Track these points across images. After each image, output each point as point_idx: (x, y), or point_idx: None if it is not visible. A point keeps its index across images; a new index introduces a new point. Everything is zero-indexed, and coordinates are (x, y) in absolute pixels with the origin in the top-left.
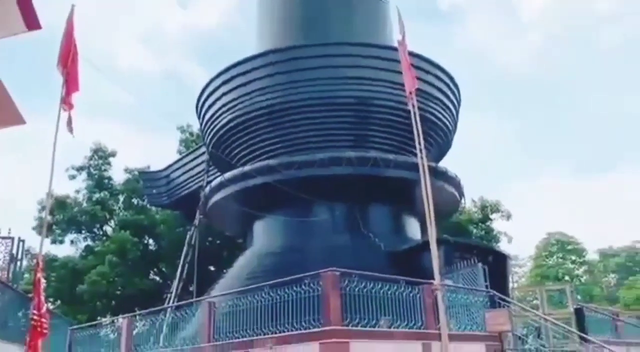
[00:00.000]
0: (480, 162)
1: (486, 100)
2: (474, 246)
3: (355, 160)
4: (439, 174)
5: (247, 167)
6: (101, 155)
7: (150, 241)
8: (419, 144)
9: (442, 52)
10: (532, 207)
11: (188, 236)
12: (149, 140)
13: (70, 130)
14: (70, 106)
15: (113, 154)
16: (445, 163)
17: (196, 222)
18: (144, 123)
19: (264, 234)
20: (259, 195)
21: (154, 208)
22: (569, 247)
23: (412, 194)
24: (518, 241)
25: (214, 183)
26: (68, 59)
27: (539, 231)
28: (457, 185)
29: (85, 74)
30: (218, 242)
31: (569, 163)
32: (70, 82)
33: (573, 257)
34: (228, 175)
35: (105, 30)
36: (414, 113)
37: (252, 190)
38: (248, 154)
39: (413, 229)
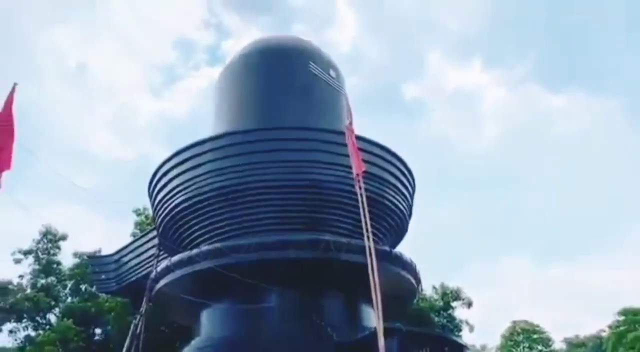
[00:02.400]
0: (442, 248)
1: (447, 188)
2: (429, 335)
3: (306, 243)
4: (393, 259)
5: (194, 251)
6: (50, 238)
7: (97, 330)
8: (366, 225)
9: (405, 141)
10: (496, 294)
11: (133, 325)
12: (110, 225)
13: None
14: None
15: (64, 238)
16: (406, 250)
17: (142, 310)
18: (107, 208)
19: (209, 324)
20: (207, 280)
21: (103, 295)
22: (535, 336)
23: (367, 279)
24: (484, 329)
25: (159, 268)
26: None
27: (505, 319)
28: (413, 271)
29: (57, 157)
30: (169, 331)
31: (529, 250)
32: (2, 160)
33: (540, 347)
34: (174, 259)
35: (78, 114)
36: (361, 195)
37: (199, 275)
38: (199, 237)
39: (369, 317)
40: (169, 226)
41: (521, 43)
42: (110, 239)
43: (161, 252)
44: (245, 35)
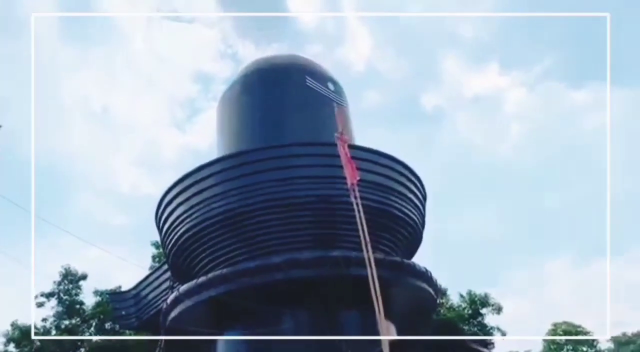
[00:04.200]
0: (478, 256)
1: (477, 194)
2: (447, 344)
3: (312, 261)
4: (405, 269)
5: (200, 279)
6: (71, 279)
7: None
8: (364, 235)
9: (428, 151)
10: (538, 298)
11: None
12: (131, 262)
13: None
14: None
15: (84, 277)
16: (437, 260)
17: (161, 343)
18: (133, 244)
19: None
20: (216, 308)
21: (127, 331)
22: (578, 337)
23: (382, 292)
24: (527, 334)
25: (169, 299)
26: None
27: (544, 322)
28: (429, 280)
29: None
30: None
31: (567, 251)
32: None
33: (584, 348)
34: (183, 288)
35: (106, 154)
36: (357, 204)
37: (208, 303)
38: (208, 263)
39: (387, 331)
40: (177, 255)
41: (536, 42)
42: (132, 275)
43: (175, 284)
44: None
